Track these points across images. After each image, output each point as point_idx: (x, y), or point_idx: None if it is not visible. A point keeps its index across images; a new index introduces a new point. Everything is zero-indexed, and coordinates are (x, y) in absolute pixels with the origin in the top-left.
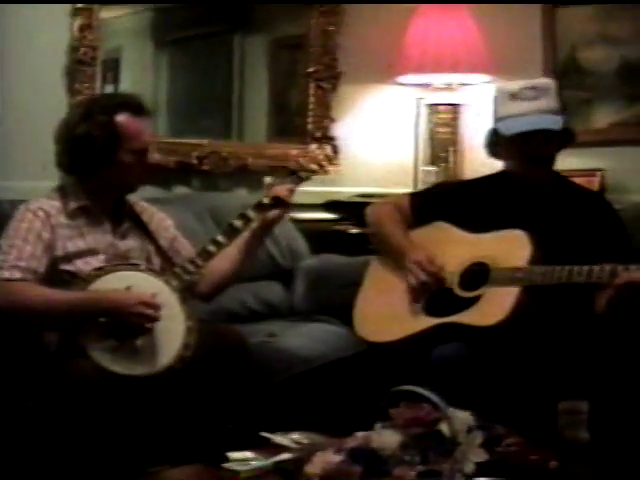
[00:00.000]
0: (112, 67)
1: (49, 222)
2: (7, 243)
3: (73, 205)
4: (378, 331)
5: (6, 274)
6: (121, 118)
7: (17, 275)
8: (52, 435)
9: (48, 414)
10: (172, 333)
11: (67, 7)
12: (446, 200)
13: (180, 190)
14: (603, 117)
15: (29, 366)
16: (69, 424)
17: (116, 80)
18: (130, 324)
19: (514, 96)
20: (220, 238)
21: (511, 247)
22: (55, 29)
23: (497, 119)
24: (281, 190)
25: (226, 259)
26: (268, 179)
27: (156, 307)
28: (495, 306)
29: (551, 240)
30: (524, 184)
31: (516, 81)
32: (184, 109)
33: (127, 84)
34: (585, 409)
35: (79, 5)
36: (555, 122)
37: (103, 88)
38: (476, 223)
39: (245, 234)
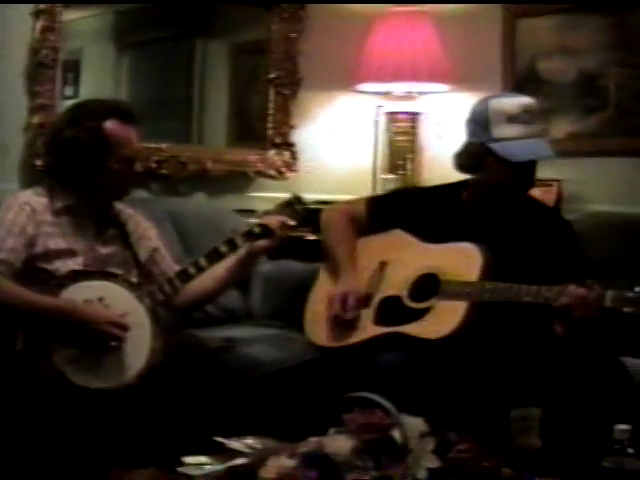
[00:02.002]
0: (72, 69)
1: (34, 218)
2: None
3: (59, 204)
4: (326, 336)
5: None
6: (110, 124)
7: None
8: (8, 436)
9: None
10: (136, 353)
11: (29, 8)
12: (403, 206)
13: (139, 194)
14: (561, 128)
15: None
16: (24, 426)
17: (76, 82)
18: (96, 340)
19: (512, 119)
20: (202, 261)
21: (461, 260)
22: (16, 31)
23: (491, 139)
24: (272, 221)
25: (208, 280)
26: (264, 209)
27: (124, 328)
28: (442, 320)
29: (506, 255)
30: (487, 197)
31: (508, 99)
32: (144, 112)
33: (87, 86)
34: (537, 416)
35: (42, 6)
36: (550, 150)
37: (63, 90)
38: (432, 232)
39: (231, 259)
